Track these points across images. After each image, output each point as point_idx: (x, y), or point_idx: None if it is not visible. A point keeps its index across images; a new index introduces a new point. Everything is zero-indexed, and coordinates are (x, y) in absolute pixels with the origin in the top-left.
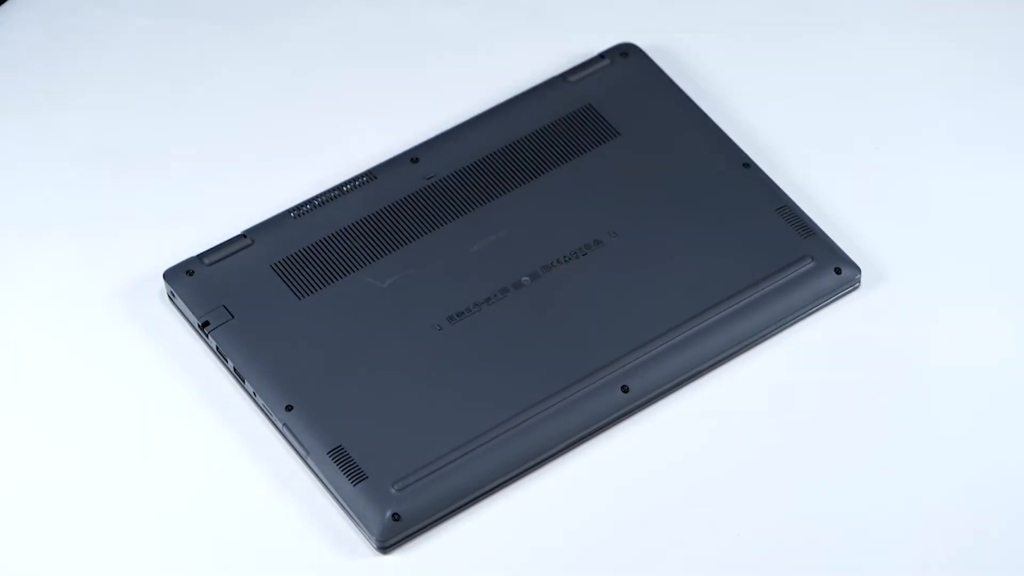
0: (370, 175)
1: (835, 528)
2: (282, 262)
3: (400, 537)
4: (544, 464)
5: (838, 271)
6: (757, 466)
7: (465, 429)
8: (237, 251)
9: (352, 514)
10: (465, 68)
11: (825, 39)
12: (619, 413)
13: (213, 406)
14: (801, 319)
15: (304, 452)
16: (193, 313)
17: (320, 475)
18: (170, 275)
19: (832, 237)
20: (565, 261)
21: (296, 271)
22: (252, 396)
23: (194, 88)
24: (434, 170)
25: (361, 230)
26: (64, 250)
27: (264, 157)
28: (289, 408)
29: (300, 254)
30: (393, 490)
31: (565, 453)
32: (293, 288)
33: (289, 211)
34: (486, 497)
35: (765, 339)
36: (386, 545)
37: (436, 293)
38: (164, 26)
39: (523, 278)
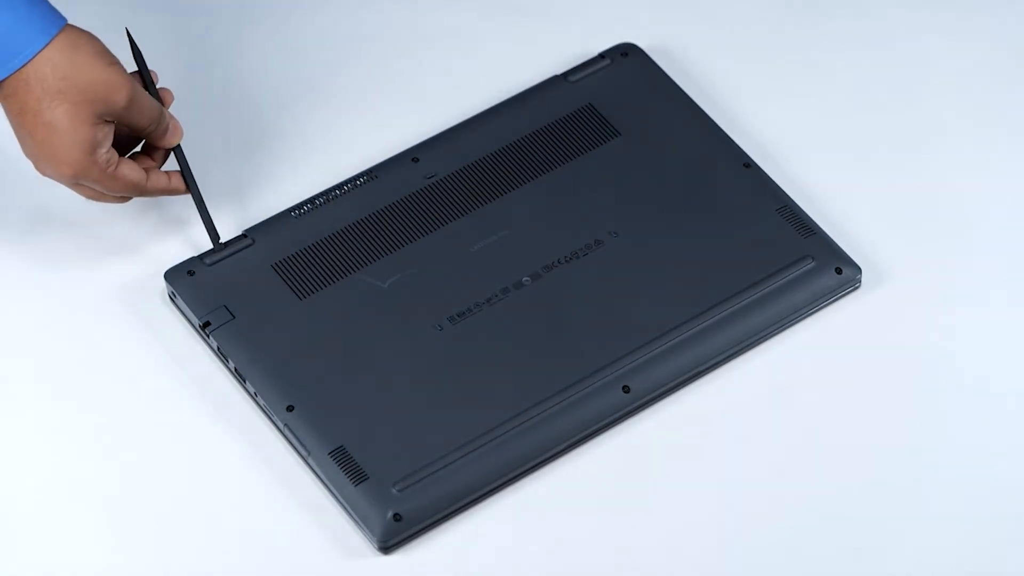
0: (370, 175)
1: (835, 527)
2: (283, 262)
3: (401, 537)
4: (545, 464)
5: (838, 271)
6: (757, 466)
7: (466, 429)
8: (238, 251)
9: (353, 515)
10: (465, 68)
11: (825, 39)
12: (620, 413)
13: (213, 406)
14: (801, 319)
15: (305, 452)
16: (194, 313)
17: (321, 475)
18: (171, 275)
19: (832, 237)
20: (566, 261)
21: (297, 271)
22: (253, 396)
23: (194, 87)
24: (435, 170)
25: (361, 230)
26: (64, 250)
27: (264, 156)
28: (290, 408)
29: (301, 254)
30: (394, 490)
31: (566, 453)
32: (294, 288)
33: (290, 210)
34: (487, 497)
35: (765, 339)
36: (387, 545)
37: (437, 293)
38: (164, 24)
39: (524, 278)
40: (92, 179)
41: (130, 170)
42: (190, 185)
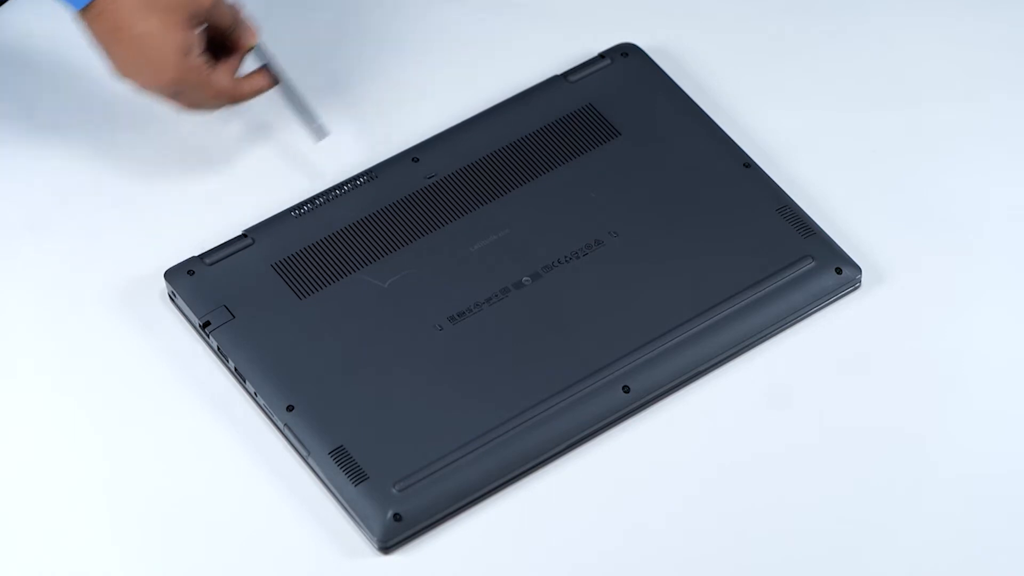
0: (370, 175)
1: (835, 528)
2: (283, 261)
3: (401, 537)
4: (545, 464)
5: (838, 271)
6: (757, 466)
7: (466, 429)
8: (238, 251)
9: (353, 515)
10: (466, 68)
11: (825, 39)
12: (620, 413)
13: (213, 406)
14: (801, 319)
15: (305, 452)
16: (194, 313)
17: (321, 475)
18: (171, 275)
19: (832, 237)
20: (566, 261)
21: (297, 271)
22: (253, 396)
23: None
24: (435, 170)
25: (362, 230)
26: (64, 250)
27: (265, 156)
28: (290, 408)
29: (301, 253)
30: (394, 490)
31: (566, 453)
32: (294, 288)
33: (290, 210)
34: (487, 497)
35: (765, 339)
36: (387, 545)
37: (437, 293)
38: None
39: (524, 278)
40: (191, 83)
41: (223, 74)
42: (280, 77)
